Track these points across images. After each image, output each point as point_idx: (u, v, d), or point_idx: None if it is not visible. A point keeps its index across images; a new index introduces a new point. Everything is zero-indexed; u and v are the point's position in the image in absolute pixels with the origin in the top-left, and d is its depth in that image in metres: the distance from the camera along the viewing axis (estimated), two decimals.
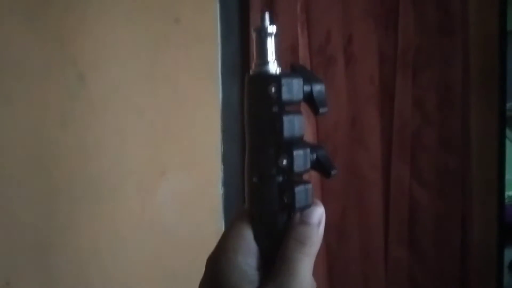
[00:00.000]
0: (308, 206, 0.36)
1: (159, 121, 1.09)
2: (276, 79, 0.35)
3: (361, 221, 1.41)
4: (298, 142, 0.36)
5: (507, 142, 1.60)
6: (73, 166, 1.05)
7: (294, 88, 0.35)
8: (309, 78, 0.36)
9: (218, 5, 1.17)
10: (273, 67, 0.36)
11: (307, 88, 0.36)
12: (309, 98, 0.36)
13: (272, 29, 0.36)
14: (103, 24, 1.07)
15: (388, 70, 1.40)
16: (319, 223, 0.36)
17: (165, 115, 1.09)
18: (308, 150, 0.36)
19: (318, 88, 0.36)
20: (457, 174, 1.42)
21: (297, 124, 0.36)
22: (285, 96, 0.35)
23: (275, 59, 0.36)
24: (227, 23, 1.18)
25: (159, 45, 1.10)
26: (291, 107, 0.36)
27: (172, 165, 1.09)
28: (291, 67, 0.38)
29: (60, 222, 1.03)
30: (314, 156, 0.36)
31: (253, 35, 0.37)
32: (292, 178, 0.35)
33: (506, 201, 1.95)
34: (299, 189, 0.35)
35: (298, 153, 0.35)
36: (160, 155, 1.10)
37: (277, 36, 0.36)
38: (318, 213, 0.36)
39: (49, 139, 1.02)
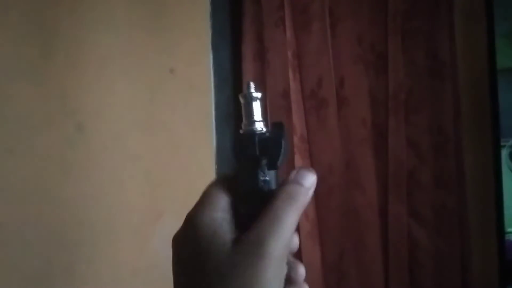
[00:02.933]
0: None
1: (155, 167, 1.13)
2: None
3: (360, 261, 1.41)
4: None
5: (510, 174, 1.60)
6: (73, 212, 1.09)
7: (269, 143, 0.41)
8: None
9: (211, 56, 1.22)
10: (259, 126, 0.41)
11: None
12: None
13: (256, 94, 0.42)
14: (101, 78, 1.12)
15: (380, 112, 1.44)
16: (311, 187, 0.41)
17: (162, 161, 1.13)
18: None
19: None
20: (454, 212, 1.43)
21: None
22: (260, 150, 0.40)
23: (261, 119, 0.42)
24: (220, 72, 1.24)
25: (155, 95, 1.15)
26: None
27: (169, 209, 1.13)
28: (271, 124, 0.43)
29: (60, 267, 1.06)
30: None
31: (241, 100, 0.42)
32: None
33: None
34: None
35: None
36: (156, 200, 1.13)
37: (262, 100, 0.42)
38: (312, 179, 0.41)
39: (50, 187, 1.06)
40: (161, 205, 1.13)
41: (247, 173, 0.41)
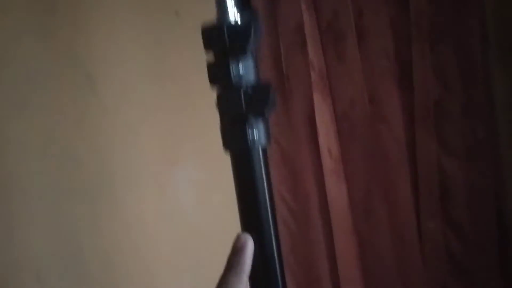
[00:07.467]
0: None
1: (167, 113, 1.12)
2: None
3: (389, 196, 1.39)
4: None
5: None
6: (91, 164, 1.09)
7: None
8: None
9: None
10: (232, 16, 0.41)
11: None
12: None
13: None
14: (106, 26, 1.10)
15: (403, 43, 1.37)
16: None
17: (173, 107, 1.12)
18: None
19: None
20: (485, 141, 1.37)
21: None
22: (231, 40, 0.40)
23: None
24: None
25: (162, 39, 1.13)
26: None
27: (184, 154, 1.12)
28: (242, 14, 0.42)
29: (86, 222, 1.07)
30: None
31: None
32: None
33: None
34: None
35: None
36: (171, 146, 1.12)
37: None
38: None
39: (64, 139, 1.06)
40: (176, 151, 1.13)
41: (235, 131, 0.41)
